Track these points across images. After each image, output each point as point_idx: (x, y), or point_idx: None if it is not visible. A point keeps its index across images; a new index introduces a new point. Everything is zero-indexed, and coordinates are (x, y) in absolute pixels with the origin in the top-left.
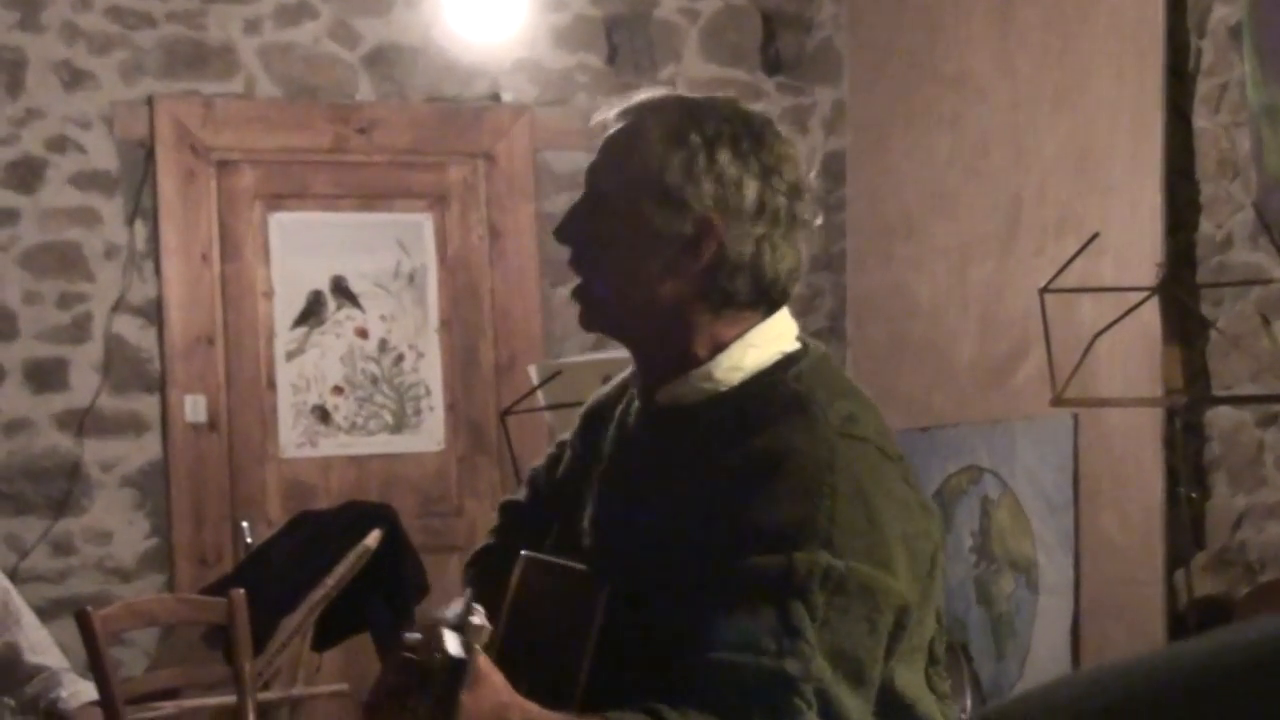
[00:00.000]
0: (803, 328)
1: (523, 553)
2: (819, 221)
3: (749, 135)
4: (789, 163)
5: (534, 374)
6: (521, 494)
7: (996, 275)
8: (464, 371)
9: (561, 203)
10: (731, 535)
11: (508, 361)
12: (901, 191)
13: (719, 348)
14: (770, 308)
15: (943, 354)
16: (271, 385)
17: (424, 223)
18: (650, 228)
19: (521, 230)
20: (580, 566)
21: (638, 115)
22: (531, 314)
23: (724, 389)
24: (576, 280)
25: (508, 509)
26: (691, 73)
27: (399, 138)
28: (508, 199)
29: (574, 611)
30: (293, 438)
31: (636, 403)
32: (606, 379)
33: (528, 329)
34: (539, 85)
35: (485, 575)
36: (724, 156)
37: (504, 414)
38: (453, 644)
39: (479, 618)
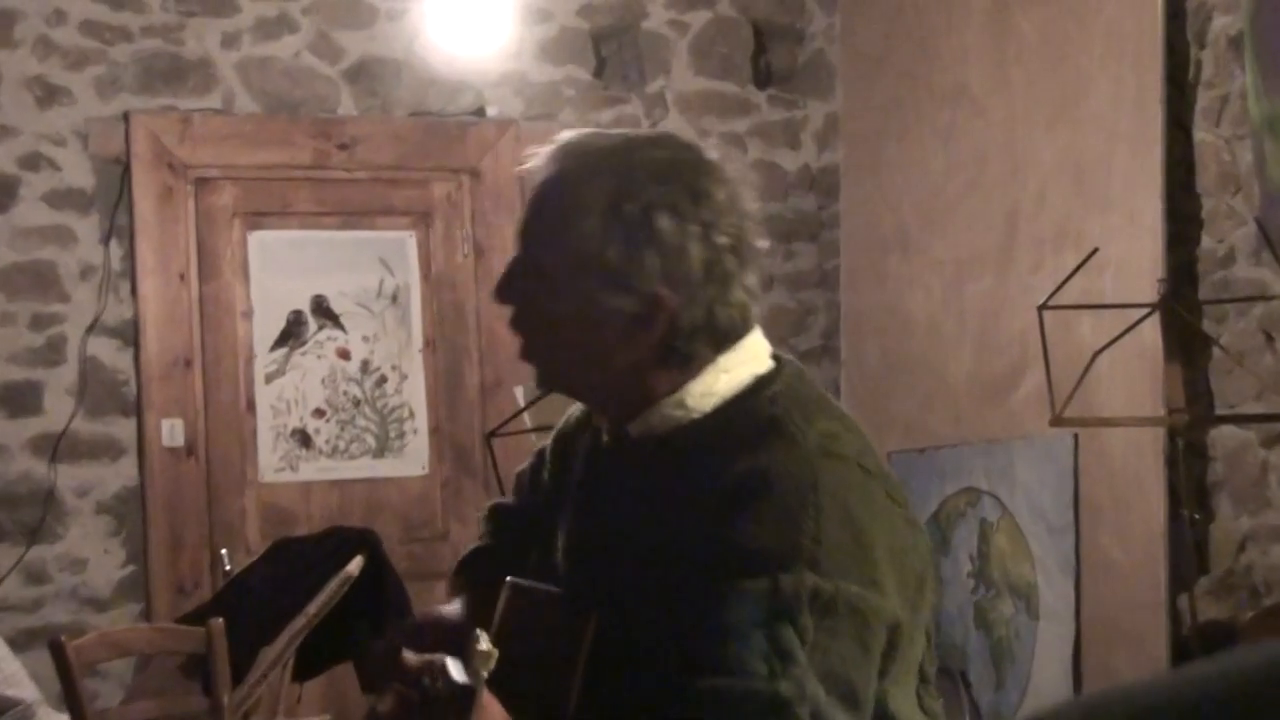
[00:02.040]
0: (795, 347)
1: (508, 579)
2: (765, 245)
3: (685, 193)
4: (729, 209)
5: (520, 395)
6: (509, 498)
7: (993, 292)
8: (448, 393)
9: None
10: (715, 560)
11: (493, 383)
12: (896, 206)
13: (678, 386)
14: (734, 341)
15: (939, 373)
16: (251, 408)
17: (407, 240)
18: (597, 307)
19: (507, 248)
20: (566, 594)
21: (564, 171)
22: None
23: (697, 415)
24: (518, 339)
25: (497, 512)
26: (681, 86)
27: (381, 153)
28: (493, 215)
29: (561, 639)
30: (273, 462)
31: (605, 443)
32: None
33: (514, 349)
34: (525, 99)
35: (477, 582)
36: (664, 224)
37: (489, 436)
38: (457, 671)
39: (484, 643)
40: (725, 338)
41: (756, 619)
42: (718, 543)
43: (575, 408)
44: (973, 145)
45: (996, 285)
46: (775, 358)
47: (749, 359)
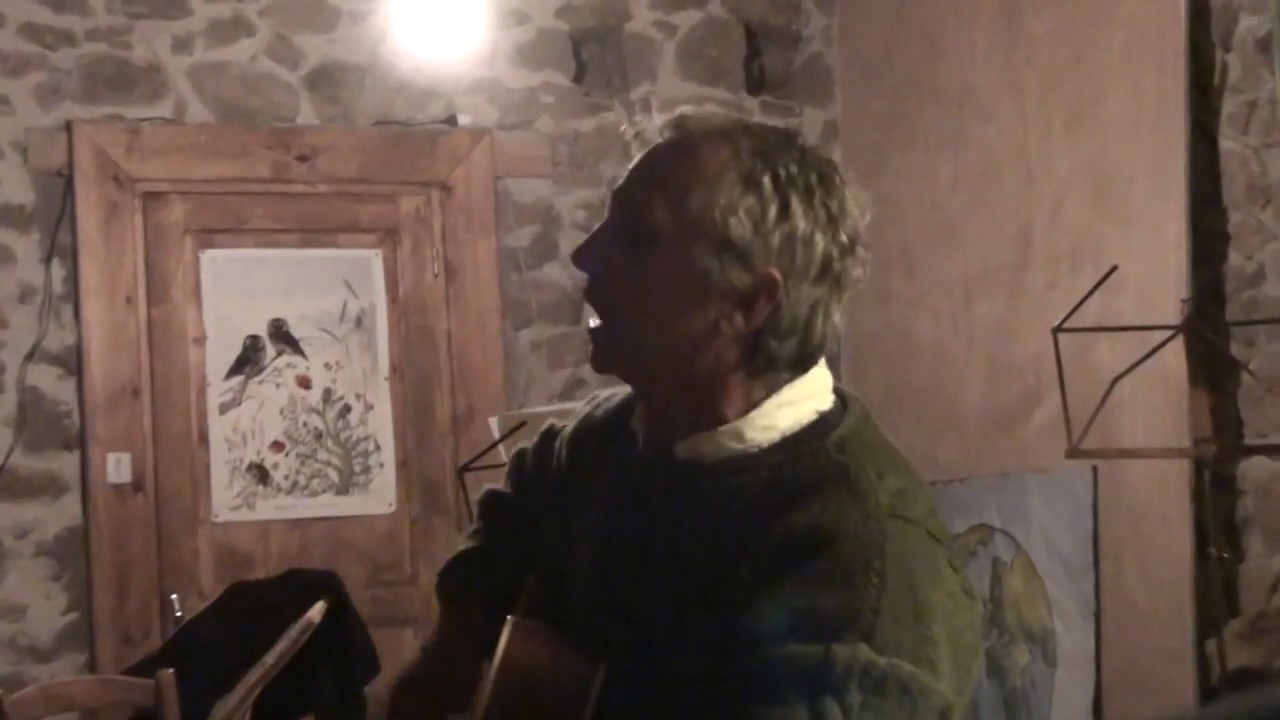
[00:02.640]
0: None
1: (511, 619)
2: (860, 275)
3: (820, 181)
4: (850, 214)
5: (495, 427)
6: (504, 485)
7: (1005, 313)
8: (417, 424)
9: (525, 236)
10: (765, 619)
11: (466, 413)
12: (899, 221)
13: (750, 406)
14: (807, 367)
15: (947, 401)
16: (203, 441)
17: (372, 260)
18: (703, 278)
19: (481, 267)
20: (574, 642)
21: (693, 137)
22: (492, 360)
23: (754, 450)
24: (592, 316)
25: (491, 505)
26: (668, 92)
27: (344, 166)
28: (465, 232)
29: (566, 692)
30: (227, 499)
31: (640, 444)
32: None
33: (488, 377)
34: (499, 107)
35: (463, 594)
36: (797, 207)
37: (462, 471)
38: None
39: None
40: (809, 356)
41: (802, 688)
42: (770, 601)
43: (602, 398)
44: (982, 155)
45: (1008, 306)
46: (838, 392)
47: (813, 392)
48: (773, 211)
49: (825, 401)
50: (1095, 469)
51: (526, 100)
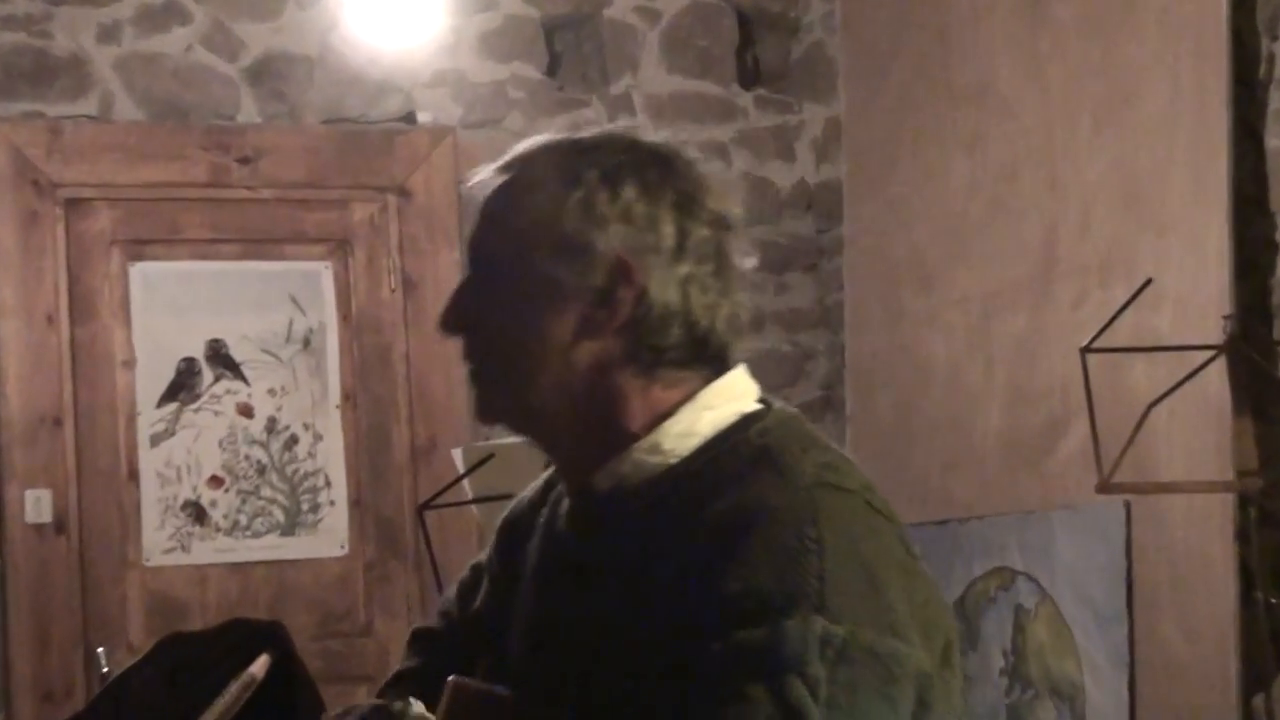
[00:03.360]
0: (789, 398)
1: (451, 678)
2: (752, 264)
3: (656, 164)
4: (709, 192)
5: (459, 459)
6: (434, 622)
7: (1028, 332)
8: (372, 457)
9: None
10: (702, 616)
11: (426, 444)
12: (909, 230)
13: (661, 416)
14: (717, 366)
15: (963, 429)
16: (133, 476)
17: (322, 273)
18: (553, 285)
19: (443, 281)
20: (517, 693)
21: (515, 167)
22: (455, 385)
23: (675, 460)
24: (469, 366)
25: (419, 638)
26: (651, 86)
27: (290, 169)
28: (426, 242)
29: None
30: (159, 541)
31: (566, 502)
32: (549, 464)
33: (451, 404)
34: (463, 103)
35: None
36: (629, 192)
37: (422, 509)
38: None
39: (418, 707)
40: (703, 343)
41: (759, 675)
42: (703, 595)
43: (527, 490)
44: (1001, 156)
45: (1031, 324)
46: (765, 401)
47: (735, 397)
48: (603, 198)
49: (750, 406)
50: (1128, 505)
51: (493, 95)
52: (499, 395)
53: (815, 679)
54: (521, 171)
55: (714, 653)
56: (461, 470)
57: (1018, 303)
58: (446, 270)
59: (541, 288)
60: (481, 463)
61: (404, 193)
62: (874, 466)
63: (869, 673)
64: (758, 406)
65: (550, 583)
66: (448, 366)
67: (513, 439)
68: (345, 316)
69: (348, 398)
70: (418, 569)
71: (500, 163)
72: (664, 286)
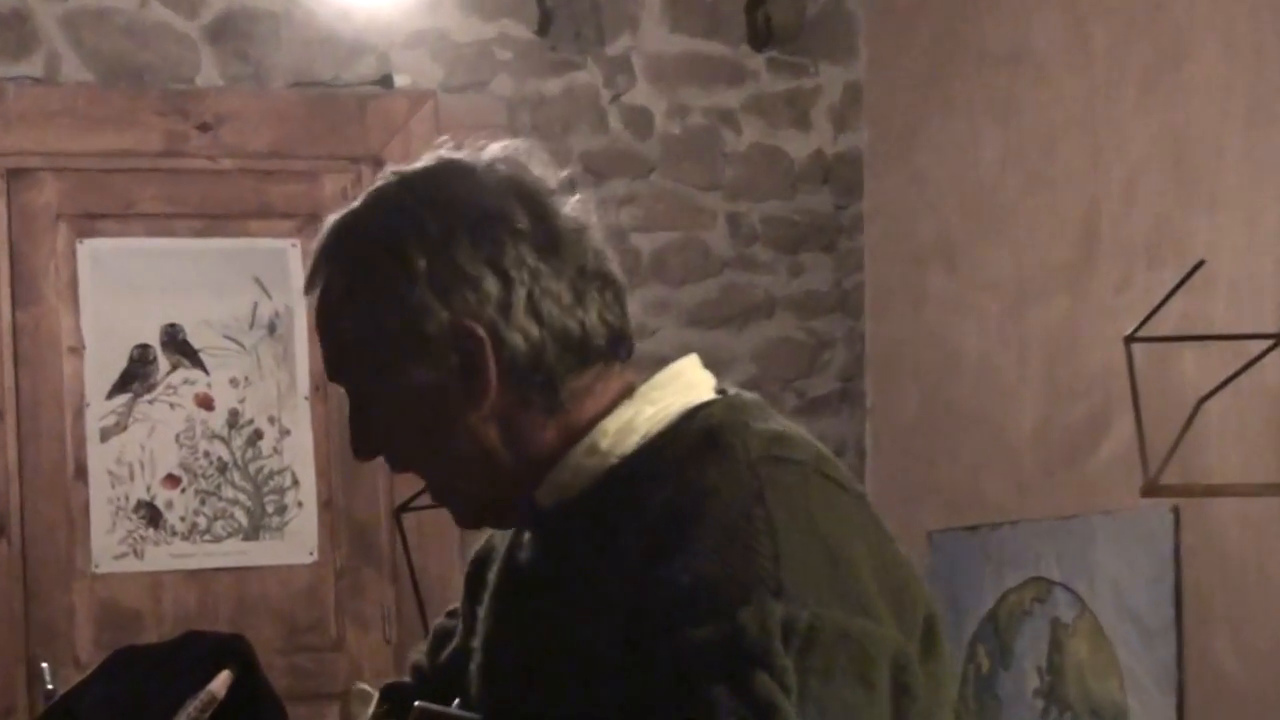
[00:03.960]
0: (803, 391)
1: (416, 704)
2: (593, 218)
3: (434, 206)
4: (505, 199)
5: None
6: (407, 675)
7: (1067, 319)
8: (345, 454)
9: None
10: (652, 615)
11: None
12: (936, 206)
13: (589, 423)
14: (628, 357)
15: (994, 426)
16: (81, 475)
17: (289, 251)
18: (420, 389)
19: None
20: (481, 716)
21: (317, 269)
22: None
23: (616, 460)
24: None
25: (390, 694)
26: (652, 46)
27: (255, 137)
28: None
29: None
30: (110, 546)
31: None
32: None
33: None
34: (445, 64)
35: None
36: (424, 265)
37: (399, 511)
38: None
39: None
40: (589, 345)
41: (719, 672)
42: (650, 593)
43: (491, 532)
44: (1038, 125)
45: (1070, 310)
46: (720, 392)
47: (682, 390)
48: (404, 288)
49: (702, 397)
50: (1177, 509)
51: (478, 56)
52: (440, 490)
53: (782, 669)
54: (327, 285)
55: (667, 654)
56: None
57: (1055, 286)
58: None
59: (413, 396)
60: None
61: (379, 163)
62: (897, 467)
63: (841, 656)
64: (711, 397)
65: (504, 604)
66: None
67: None
68: None
69: (318, 388)
70: (394, 577)
71: (308, 271)
72: (513, 323)
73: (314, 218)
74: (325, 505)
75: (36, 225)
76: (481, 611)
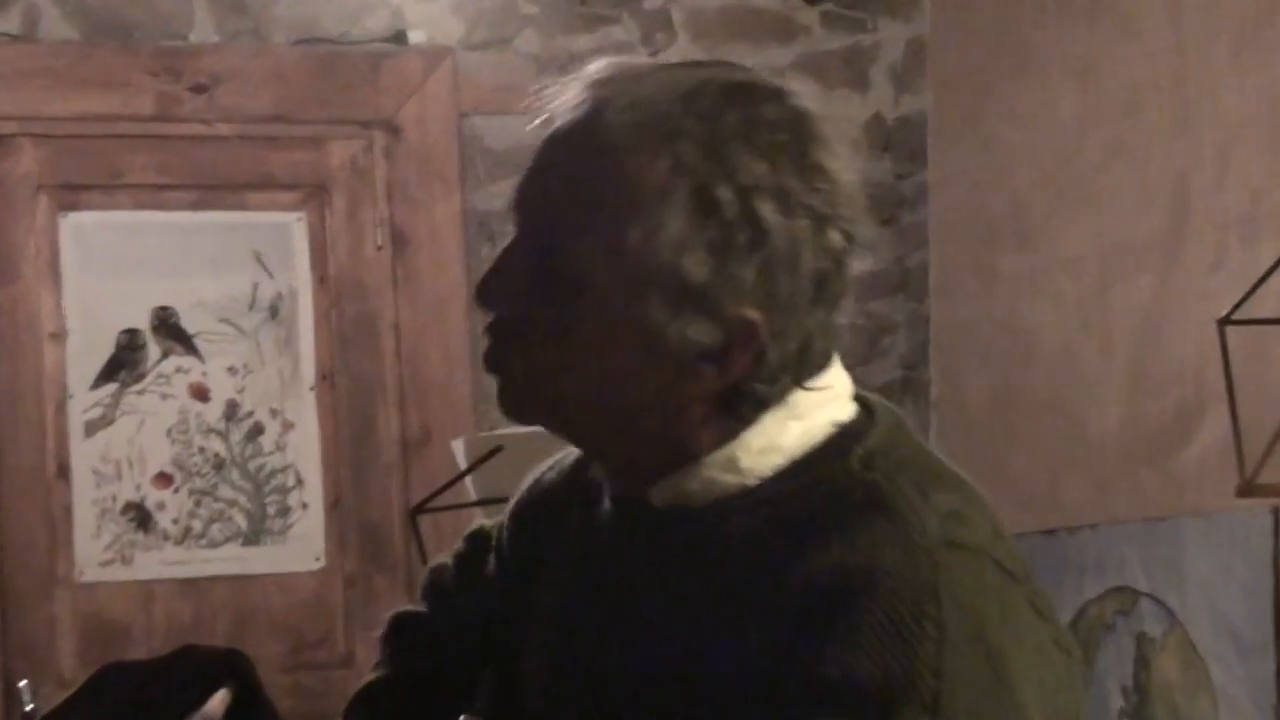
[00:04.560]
0: (863, 379)
1: (462, 717)
2: (871, 234)
3: (794, 169)
4: (845, 193)
5: (459, 453)
6: (419, 605)
7: (1154, 300)
8: (354, 450)
9: (501, 195)
10: (791, 695)
11: (420, 434)
12: (1009, 177)
13: (745, 425)
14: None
15: (1073, 419)
16: (63, 473)
17: (293, 226)
18: (656, 336)
19: (441, 237)
20: None
21: (615, 134)
22: (455, 363)
23: (754, 481)
24: (498, 355)
25: (402, 627)
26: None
27: (255, 100)
28: (420, 189)
29: None
30: (95, 552)
31: (606, 504)
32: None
33: (449, 386)
34: (465, 19)
35: None
36: (772, 220)
37: (414, 513)
38: None
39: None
40: (807, 376)
41: None
42: (794, 670)
43: (545, 466)
44: (1122, 86)
45: (1158, 291)
46: (860, 399)
47: (826, 400)
48: (741, 239)
49: (844, 412)
50: (1277, 511)
51: (501, 10)
52: (534, 409)
53: None
54: (626, 155)
55: None
56: (462, 466)
57: (1141, 265)
58: (445, 223)
59: (638, 337)
60: (487, 457)
61: (392, 129)
62: (964, 464)
63: None
64: (853, 410)
65: (585, 607)
66: (446, 340)
67: (523, 429)
68: (321, 279)
69: (324, 378)
70: (409, 586)
71: (580, 91)
72: (787, 338)
73: (320, 189)
74: (333, 506)
75: (14, 197)
76: (548, 599)
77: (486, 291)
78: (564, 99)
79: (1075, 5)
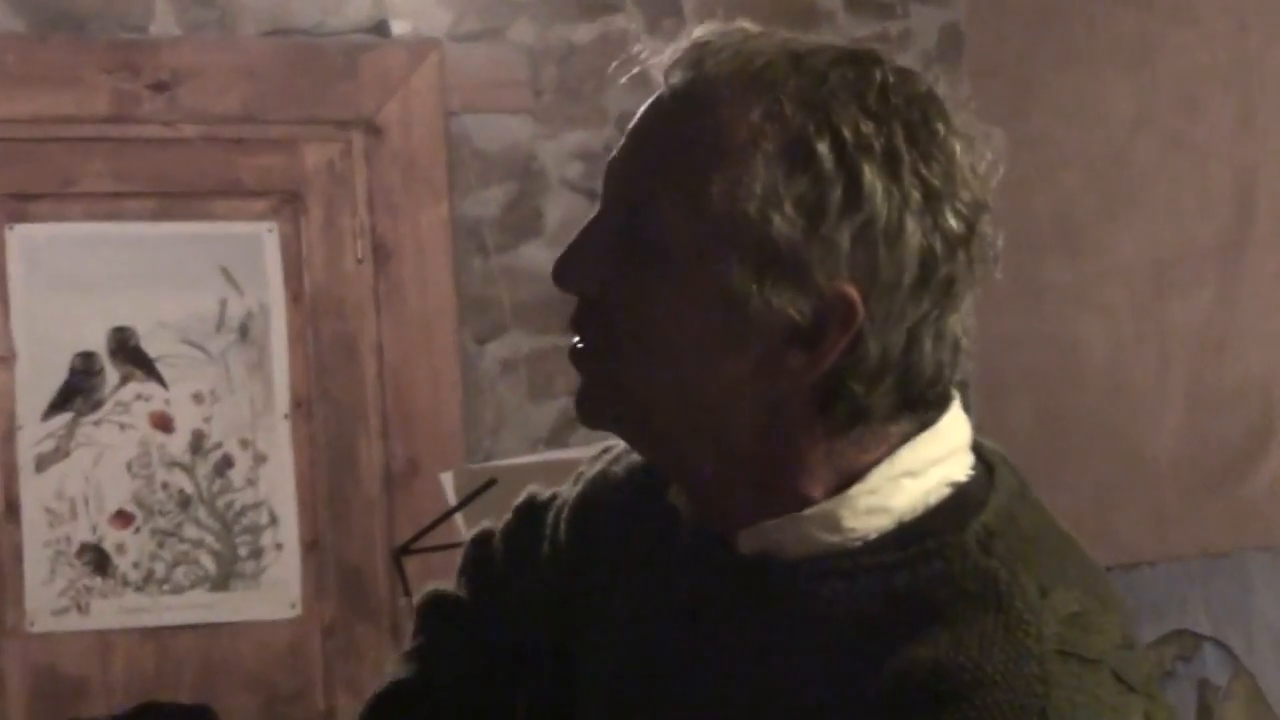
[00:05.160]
0: None
1: None
2: (992, 260)
3: (910, 133)
4: (963, 180)
5: (448, 487)
6: (457, 587)
7: (1215, 312)
8: (333, 485)
9: (494, 201)
10: None
11: (406, 468)
12: (1054, 177)
13: (844, 477)
14: (928, 412)
15: (1128, 444)
16: (12, 512)
17: (264, 237)
18: (739, 304)
19: (427, 247)
20: None
21: (710, 86)
22: (445, 388)
23: (857, 544)
24: (579, 344)
25: (437, 612)
26: None
27: (222, 98)
28: (403, 196)
29: None
30: (48, 599)
31: (684, 525)
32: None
33: (438, 413)
34: (452, 8)
35: None
36: (874, 183)
37: (399, 554)
38: None
39: None
40: (918, 398)
41: None
42: None
43: (620, 449)
44: (1179, 76)
45: (1220, 302)
46: (979, 452)
47: (943, 455)
48: (836, 197)
49: (961, 469)
50: None
51: None
52: (615, 410)
53: None
54: (717, 104)
55: None
56: (452, 501)
57: (1201, 274)
58: (432, 233)
59: (719, 303)
60: (479, 491)
61: (373, 129)
62: None
63: None
64: (971, 466)
65: (657, 643)
66: (433, 362)
67: (523, 459)
68: (296, 296)
69: (300, 405)
70: (395, 634)
71: (683, 52)
72: (887, 331)
73: (294, 196)
74: (310, 547)
75: None
76: (616, 628)
77: (563, 267)
78: (664, 57)
79: None
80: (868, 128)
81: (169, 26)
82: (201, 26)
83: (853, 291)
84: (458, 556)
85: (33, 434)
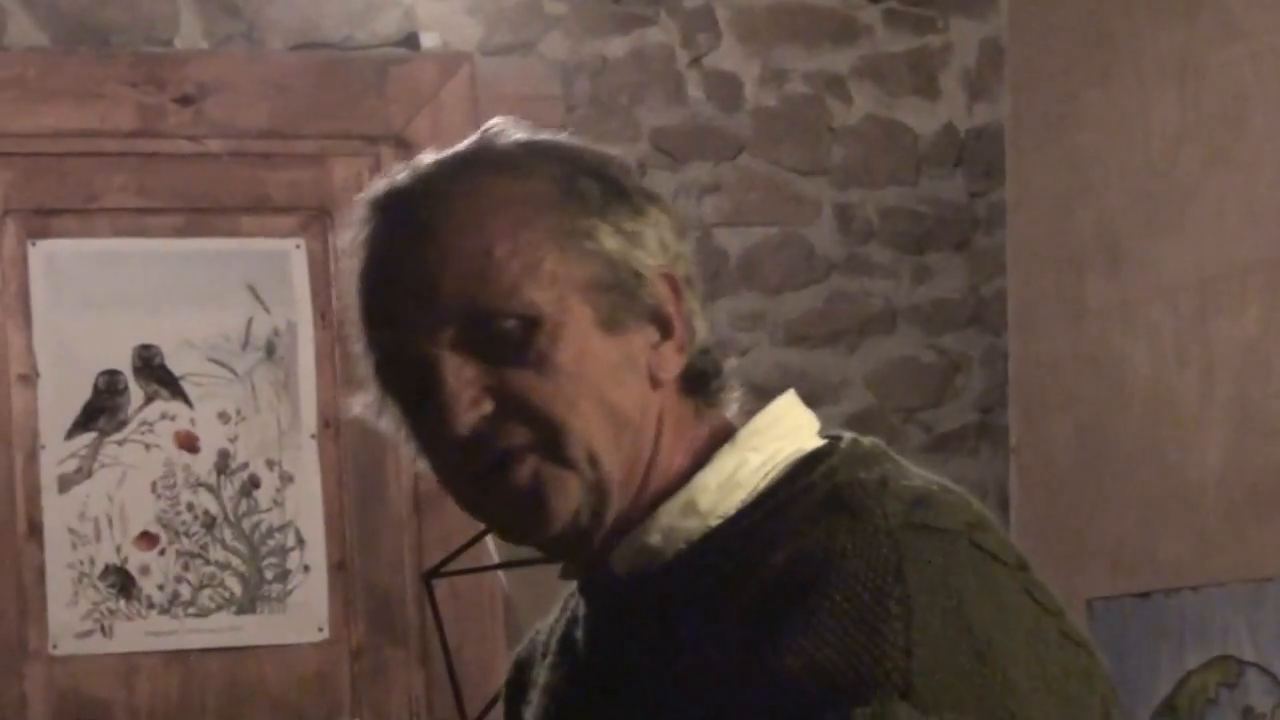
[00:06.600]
0: (931, 425)
1: None
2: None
3: (619, 171)
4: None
5: None
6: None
7: (1262, 332)
8: (361, 506)
9: None
10: (751, 703)
11: (435, 488)
12: (1097, 194)
13: (694, 465)
14: (720, 394)
15: (1173, 465)
16: (34, 533)
17: (292, 255)
18: (620, 333)
19: None
20: None
21: (473, 178)
22: None
23: (717, 521)
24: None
25: None
26: None
27: (249, 112)
28: None
29: None
30: (71, 622)
31: (581, 606)
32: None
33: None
34: (484, 20)
35: None
36: (635, 194)
37: (429, 577)
38: None
39: None
40: (712, 381)
41: None
42: (752, 676)
43: (542, 621)
44: (1224, 91)
45: (1267, 321)
46: (830, 437)
47: (785, 433)
48: (624, 209)
49: (808, 442)
50: None
51: (525, 11)
52: (583, 491)
53: None
54: (498, 184)
55: None
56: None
57: (1247, 293)
58: None
59: (592, 326)
60: None
61: (403, 144)
62: (1049, 518)
63: None
64: (820, 442)
65: (562, 702)
66: None
67: None
68: (323, 314)
69: (327, 425)
70: (424, 658)
71: (425, 170)
72: (690, 308)
73: (322, 212)
74: (337, 569)
75: None
76: (530, 715)
77: (464, 423)
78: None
79: (1170, 1)
80: (602, 161)
81: (195, 40)
82: (228, 40)
83: (670, 270)
84: (488, 580)
85: (56, 454)
